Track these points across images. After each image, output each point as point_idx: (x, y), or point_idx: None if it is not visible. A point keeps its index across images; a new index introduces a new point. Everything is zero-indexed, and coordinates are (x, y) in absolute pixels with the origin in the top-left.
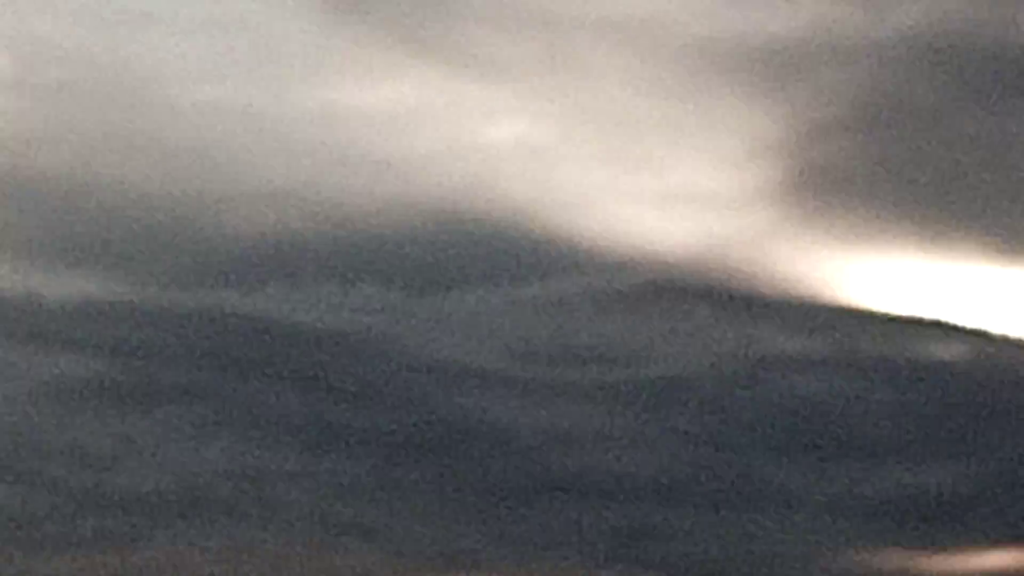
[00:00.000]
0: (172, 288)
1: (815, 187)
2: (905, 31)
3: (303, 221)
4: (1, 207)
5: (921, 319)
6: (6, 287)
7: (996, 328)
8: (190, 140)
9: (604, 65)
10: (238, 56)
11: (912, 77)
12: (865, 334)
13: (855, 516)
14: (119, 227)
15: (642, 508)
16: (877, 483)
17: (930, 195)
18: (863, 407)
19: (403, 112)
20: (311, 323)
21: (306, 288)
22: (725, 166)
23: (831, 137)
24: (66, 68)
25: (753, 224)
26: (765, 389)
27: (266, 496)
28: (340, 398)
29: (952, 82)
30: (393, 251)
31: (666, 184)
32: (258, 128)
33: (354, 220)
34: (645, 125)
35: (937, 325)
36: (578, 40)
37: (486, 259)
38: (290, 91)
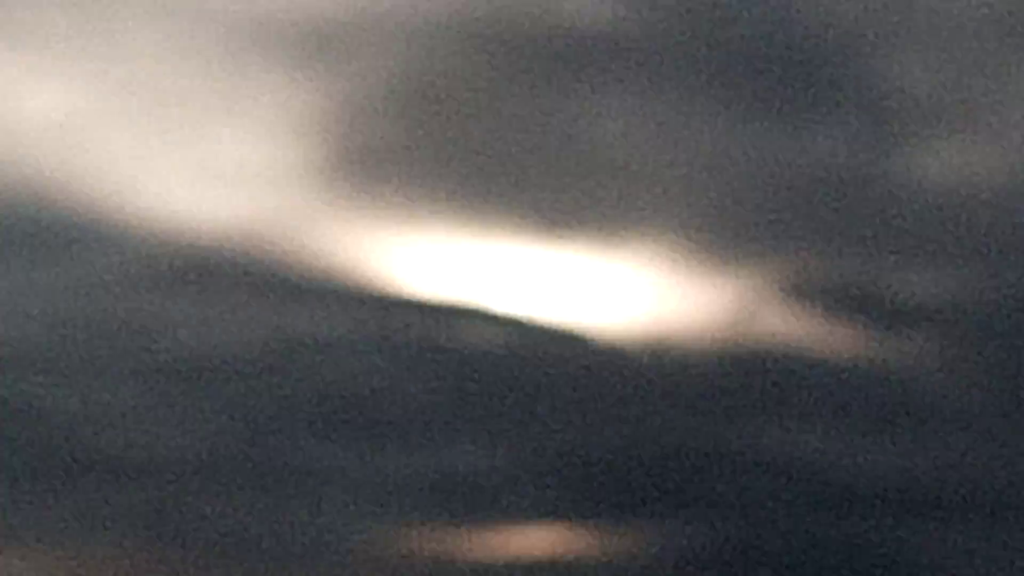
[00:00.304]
0: None
1: (356, 167)
2: (448, 10)
3: None
4: None
5: (455, 304)
6: None
7: (532, 314)
8: None
9: (142, 35)
10: None
11: (454, 57)
12: (401, 318)
13: (390, 496)
14: None
15: (178, 487)
16: (412, 464)
17: (472, 177)
18: (397, 391)
19: None
20: None
21: None
22: (265, 144)
23: (373, 116)
24: None
25: (293, 204)
26: (300, 371)
27: None
28: None
29: (493, 62)
30: None
31: (204, 161)
32: None
33: None
34: (183, 99)
35: (471, 310)
36: (115, 8)
37: (12, 237)
38: None
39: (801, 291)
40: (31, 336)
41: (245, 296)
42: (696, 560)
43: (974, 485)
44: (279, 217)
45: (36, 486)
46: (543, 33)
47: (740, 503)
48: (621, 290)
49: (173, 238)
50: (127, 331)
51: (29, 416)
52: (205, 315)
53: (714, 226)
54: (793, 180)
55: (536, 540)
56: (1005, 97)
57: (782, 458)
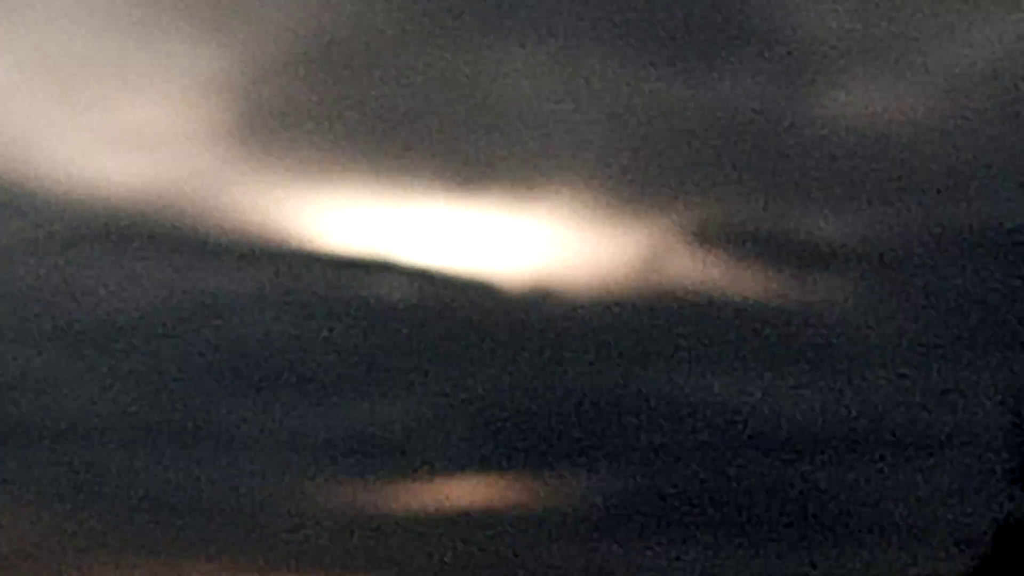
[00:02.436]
0: None
1: (263, 127)
2: None
3: None
4: None
5: (366, 259)
6: None
7: (441, 266)
8: None
9: (48, 3)
10: None
11: (360, 11)
12: (311, 274)
13: (307, 452)
14: None
15: (92, 449)
16: (328, 420)
17: (379, 133)
18: (310, 346)
19: None
20: None
21: None
22: (173, 105)
23: (280, 74)
24: None
25: (203, 164)
26: (212, 330)
27: None
28: None
29: (397, 19)
30: None
31: (115, 124)
32: None
33: None
34: (93, 64)
35: (379, 265)
36: None
37: None
38: None
39: (710, 236)
40: None
41: (156, 257)
42: (614, 506)
43: (885, 424)
44: (187, 178)
45: None
46: None
47: (655, 448)
48: (530, 242)
49: (81, 202)
50: (38, 295)
51: None
52: (116, 277)
53: (622, 175)
54: (699, 126)
55: (455, 492)
56: (911, 40)
57: (696, 402)
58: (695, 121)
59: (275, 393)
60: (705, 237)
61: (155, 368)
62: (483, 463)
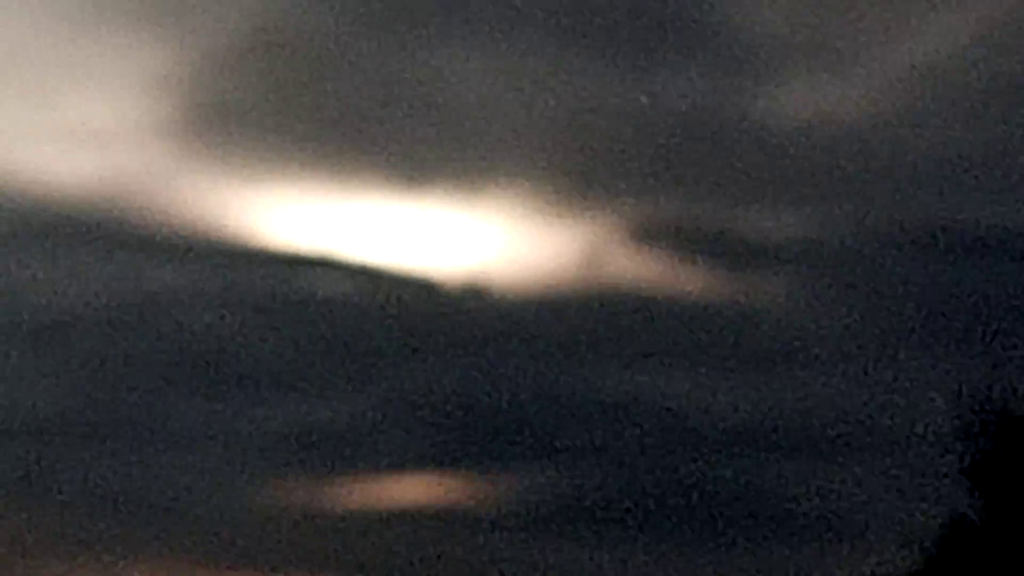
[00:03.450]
0: None
1: (209, 123)
2: None
3: None
4: None
5: (309, 256)
6: None
7: (385, 263)
8: None
9: None
10: None
11: (306, 10)
12: (257, 271)
13: (256, 449)
14: None
15: (39, 447)
16: (272, 417)
17: (326, 130)
18: (255, 343)
19: None
20: None
21: None
22: (120, 101)
23: (226, 72)
24: None
25: (150, 160)
26: (159, 326)
27: None
28: None
29: (345, 15)
30: None
31: (63, 120)
32: None
33: None
34: (41, 61)
35: (324, 263)
36: None
37: None
38: None
39: (652, 233)
40: None
41: (100, 254)
42: (558, 504)
43: (826, 422)
44: (133, 174)
45: None
46: None
47: (596, 446)
48: (473, 239)
49: (28, 198)
50: None
51: None
52: (61, 274)
53: (566, 173)
54: (645, 124)
55: (399, 490)
56: (858, 38)
57: (638, 400)
58: (638, 119)
59: (219, 389)
60: (647, 234)
61: (99, 364)
62: (425, 460)
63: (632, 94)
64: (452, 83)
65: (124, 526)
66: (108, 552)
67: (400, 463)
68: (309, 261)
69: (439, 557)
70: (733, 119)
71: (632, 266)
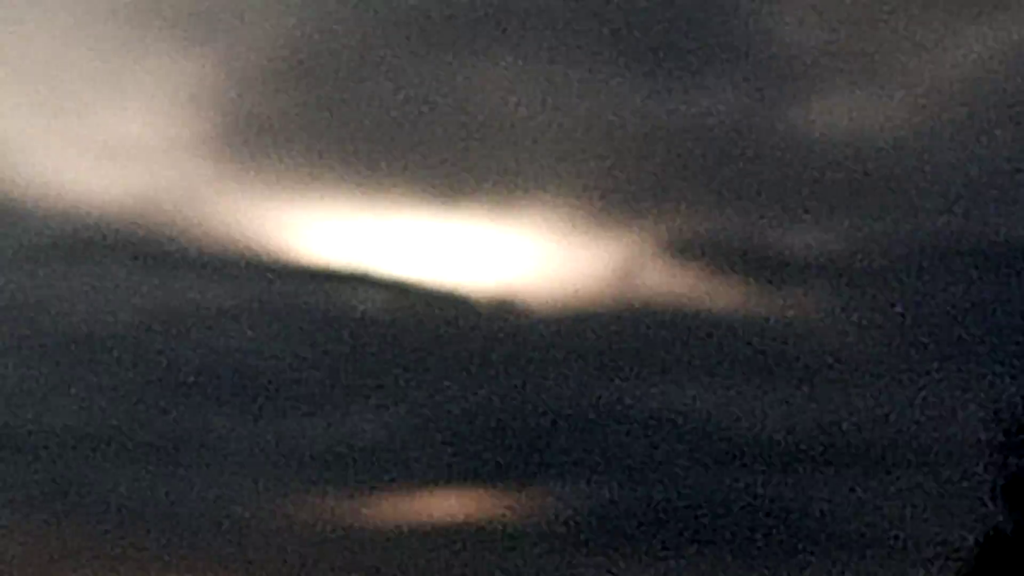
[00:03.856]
0: None
1: (244, 139)
2: None
3: None
4: None
5: (342, 272)
6: None
7: (419, 279)
8: None
9: (30, 14)
10: None
11: (340, 25)
12: (291, 286)
13: (288, 465)
14: None
15: (74, 461)
16: (307, 432)
17: (361, 145)
18: (289, 358)
19: None
20: None
21: None
22: (157, 118)
23: (261, 88)
24: None
25: (184, 176)
26: (193, 342)
27: None
28: None
29: (380, 30)
30: None
31: (98, 136)
32: None
33: None
34: (76, 76)
35: (357, 278)
36: None
37: None
38: None
39: (688, 248)
40: None
41: (136, 269)
42: (591, 518)
43: (860, 437)
44: (168, 190)
45: None
46: (429, 0)
47: (630, 461)
48: (506, 254)
49: (64, 213)
50: (20, 306)
51: None
52: (97, 289)
53: (600, 188)
54: (677, 139)
55: (431, 505)
56: (888, 54)
57: (672, 415)
58: (672, 134)
59: (253, 405)
60: (680, 249)
61: (134, 380)
62: (457, 476)
63: (665, 109)
64: (487, 98)
65: (155, 542)
66: (138, 568)
67: (433, 478)
68: (342, 277)
69: (473, 573)
70: (767, 133)
71: (665, 281)
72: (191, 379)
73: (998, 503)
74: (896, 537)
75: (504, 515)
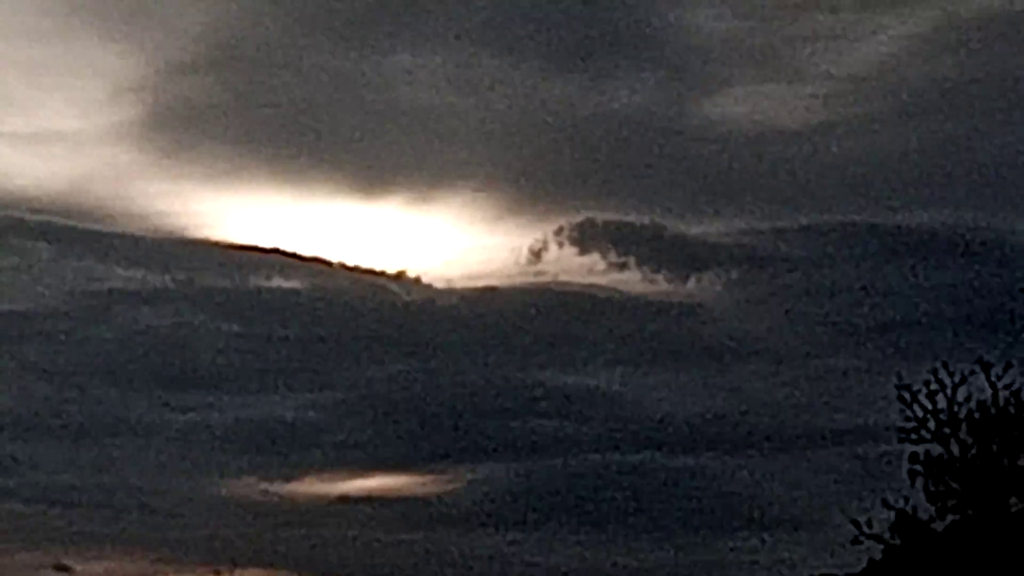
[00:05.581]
0: None
1: (172, 126)
2: None
3: None
4: None
5: (260, 247)
6: None
7: (338, 263)
8: None
9: None
10: None
11: (268, 17)
12: (213, 270)
13: (208, 445)
14: None
15: None
16: (227, 412)
17: (285, 134)
18: (209, 341)
19: None
20: None
21: None
22: (86, 107)
23: (188, 77)
24: None
25: (110, 163)
26: (115, 323)
27: None
28: None
29: (304, 21)
30: None
31: (27, 124)
32: None
33: None
34: (4, 64)
35: (281, 263)
36: None
37: None
38: None
39: (598, 235)
40: None
41: (60, 251)
42: (503, 499)
43: (769, 418)
44: (93, 175)
45: None
46: None
47: (539, 441)
48: (424, 241)
49: None
50: None
51: None
52: (20, 270)
53: (515, 178)
54: (591, 129)
55: (356, 486)
56: (794, 48)
57: (580, 397)
58: (585, 124)
59: (174, 388)
60: (591, 236)
61: (57, 359)
62: (379, 456)
63: (577, 101)
64: (407, 90)
65: (77, 520)
66: (59, 545)
67: (358, 460)
68: (266, 261)
69: (396, 550)
70: (677, 124)
71: (576, 267)
72: (116, 360)
73: (908, 482)
74: (809, 517)
75: (424, 493)
